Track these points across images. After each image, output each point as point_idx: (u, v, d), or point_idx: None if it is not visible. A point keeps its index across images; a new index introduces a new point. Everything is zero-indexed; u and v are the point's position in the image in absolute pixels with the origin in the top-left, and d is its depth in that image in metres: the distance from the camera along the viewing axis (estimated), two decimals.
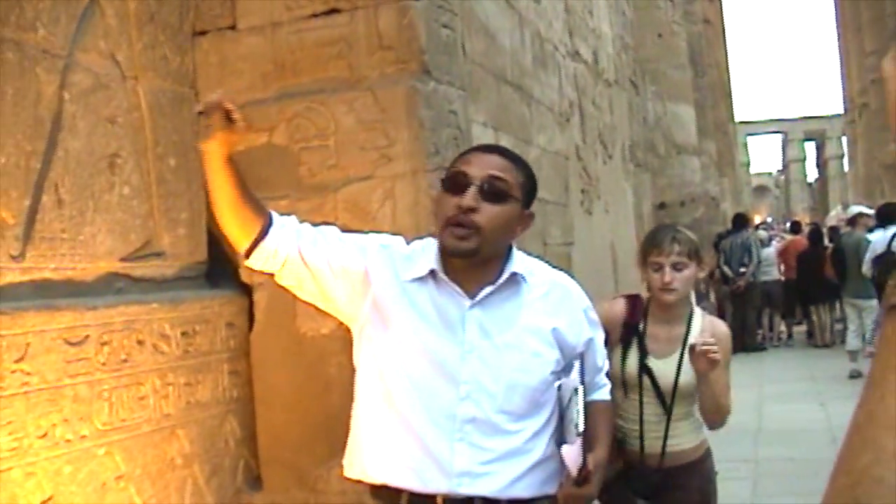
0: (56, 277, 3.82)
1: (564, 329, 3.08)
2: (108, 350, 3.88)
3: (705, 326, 4.24)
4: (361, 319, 3.14)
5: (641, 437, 4.18)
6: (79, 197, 3.96)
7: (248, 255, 3.15)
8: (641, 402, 4.17)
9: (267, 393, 4.70)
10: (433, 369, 2.97)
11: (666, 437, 4.19)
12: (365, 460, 3.11)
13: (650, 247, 4.23)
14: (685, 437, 4.24)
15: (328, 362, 4.54)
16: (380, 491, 3.07)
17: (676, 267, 4.15)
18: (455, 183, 2.99)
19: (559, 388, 3.07)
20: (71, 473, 3.64)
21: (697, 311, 4.35)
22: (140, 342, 4.07)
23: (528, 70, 6.89)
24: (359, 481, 3.18)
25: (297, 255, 3.10)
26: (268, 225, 3.12)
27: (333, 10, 4.60)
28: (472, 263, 3.01)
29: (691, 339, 4.11)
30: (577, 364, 3.03)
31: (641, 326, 4.26)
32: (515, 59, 6.57)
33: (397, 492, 3.01)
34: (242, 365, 4.69)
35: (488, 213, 2.95)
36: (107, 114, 4.16)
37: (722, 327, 4.35)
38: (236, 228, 3.14)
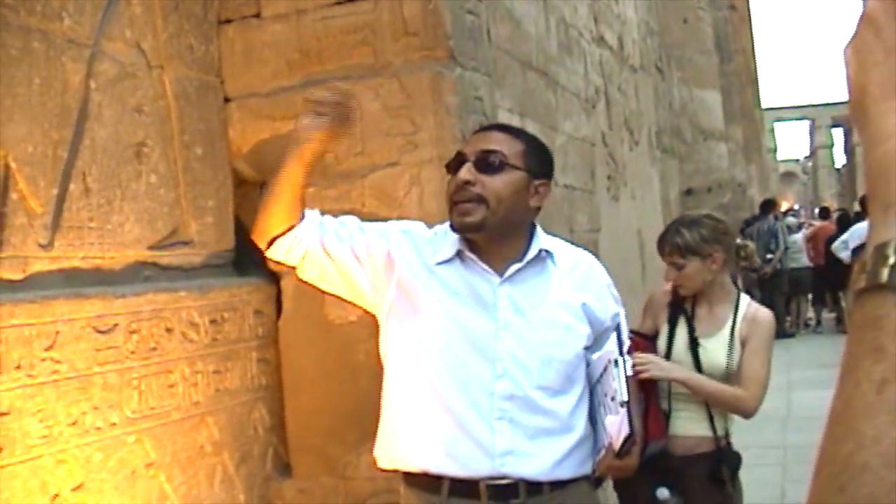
0: (84, 266, 3.83)
1: (593, 303, 3.10)
2: (136, 338, 3.90)
3: (748, 313, 4.28)
4: (387, 306, 3.14)
5: (711, 418, 4.21)
6: (106, 185, 3.97)
7: (269, 245, 3.15)
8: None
9: (295, 380, 4.71)
10: (468, 348, 2.97)
11: (712, 418, 4.22)
12: (402, 449, 3.09)
13: (657, 247, 4.34)
14: (728, 422, 4.27)
15: (356, 349, 4.54)
16: (418, 478, 3.06)
17: (676, 266, 4.22)
18: (457, 164, 3.01)
19: (588, 364, 3.08)
20: (101, 461, 3.66)
21: (744, 298, 4.39)
22: (168, 330, 4.08)
23: (553, 56, 6.87)
24: (395, 471, 3.16)
25: (318, 246, 3.11)
26: (299, 221, 3.12)
27: None
28: (493, 240, 3.02)
29: (738, 326, 4.23)
30: (613, 336, 3.02)
31: (689, 308, 4.31)
32: (541, 45, 6.56)
33: (437, 479, 3.00)
34: (271, 352, 4.70)
35: (487, 184, 2.96)
36: (133, 103, 4.17)
37: (763, 312, 4.37)
38: (275, 220, 3.14)
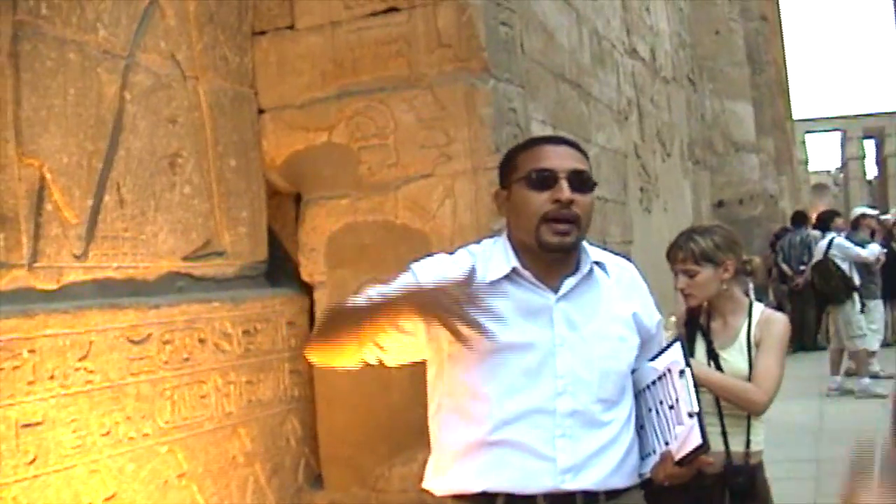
0: (118, 276, 3.84)
1: (641, 312, 3.10)
2: (170, 349, 3.90)
3: (762, 318, 4.27)
4: (444, 352, 3.09)
5: (724, 433, 4.17)
6: (140, 196, 3.98)
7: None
8: (717, 396, 4.17)
9: (328, 392, 4.70)
10: (525, 369, 2.94)
11: (749, 432, 4.19)
12: (460, 477, 3.05)
13: (667, 255, 4.32)
14: (761, 436, 4.23)
15: None
16: (476, 498, 3.02)
17: (687, 273, 4.21)
18: (543, 179, 2.97)
19: (633, 370, 3.07)
20: (134, 471, 3.66)
21: (757, 306, 4.38)
22: (202, 341, 4.08)
23: (586, 68, 6.86)
24: (454, 496, 3.12)
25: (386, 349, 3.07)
26: None
27: (392, 9, 4.60)
28: (557, 258, 2.99)
29: (752, 332, 4.23)
30: (678, 345, 3.01)
31: (704, 321, 4.29)
32: (573, 57, 6.55)
33: (492, 495, 2.98)
34: (303, 364, 4.68)
35: (582, 204, 2.96)
36: (167, 113, 4.18)
37: (777, 315, 4.39)
38: (336, 363, 3.16)
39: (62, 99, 3.64)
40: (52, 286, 3.53)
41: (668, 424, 2.99)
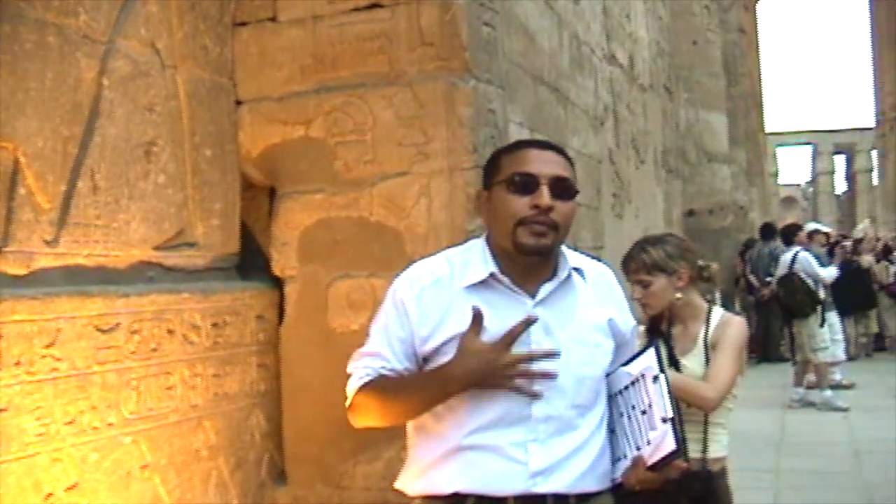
0: (89, 264, 3.81)
1: (616, 318, 3.07)
2: (137, 338, 3.88)
3: (720, 322, 4.28)
4: (420, 357, 3.09)
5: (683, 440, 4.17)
6: (114, 184, 3.95)
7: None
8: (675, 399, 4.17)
9: (294, 387, 4.68)
10: None
11: (706, 438, 4.19)
12: (434, 479, 3.05)
13: (621, 266, 4.32)
14: (721, 442, 4.24)
15: None
16: (447, 499, 3.03)
17: (642, 283, 4.22)
18: (524, 184, 2.96)
19: (608, 375, 3.06)
20: (97, 461, 3.63)
21: (717, 310, 4.38)
22: (170, 332, 4.06)
23: (564, 72, 6.86)
24: (425, 497, 3.12)
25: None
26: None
27: (375, 5, 4.58)
28: (534, 262, 2.98)
29: (709, 336, 4.25)
30: (651, 351, 3.00)
31: (665, 328, 4.30)
32: (553, 61, 6.55)
33: (463, 497, 2.97)
34: (271, 358, 4.68)
35: (562, 211, 2.93)
36: (145, 101, 4.15)
37: (734, 318, 4.41)
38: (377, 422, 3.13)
39: (40, 83, 3.60)
40: (22, 271, 3.50)
41: (640, 429, 2.99)
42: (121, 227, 3.98)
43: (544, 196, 2.91)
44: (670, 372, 4.13)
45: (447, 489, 2.97)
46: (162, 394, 3.99)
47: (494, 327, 2.89)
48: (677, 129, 14.37)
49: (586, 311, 3.02)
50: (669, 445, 2.87)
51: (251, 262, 4.81)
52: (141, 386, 3.88)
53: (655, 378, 2.93)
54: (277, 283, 4.77)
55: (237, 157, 4.69)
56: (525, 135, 5.66)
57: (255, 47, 4.78)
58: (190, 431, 4.14)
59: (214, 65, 4.60)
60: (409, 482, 3.11)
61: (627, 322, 3.15)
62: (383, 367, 3.04)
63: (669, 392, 2.92)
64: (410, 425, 3.13)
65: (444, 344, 2.94)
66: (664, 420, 2.88)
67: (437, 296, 3.01)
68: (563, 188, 2.95)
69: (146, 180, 4.14)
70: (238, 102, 4.75)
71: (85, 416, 3.59)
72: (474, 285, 2.97)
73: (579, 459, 2.95)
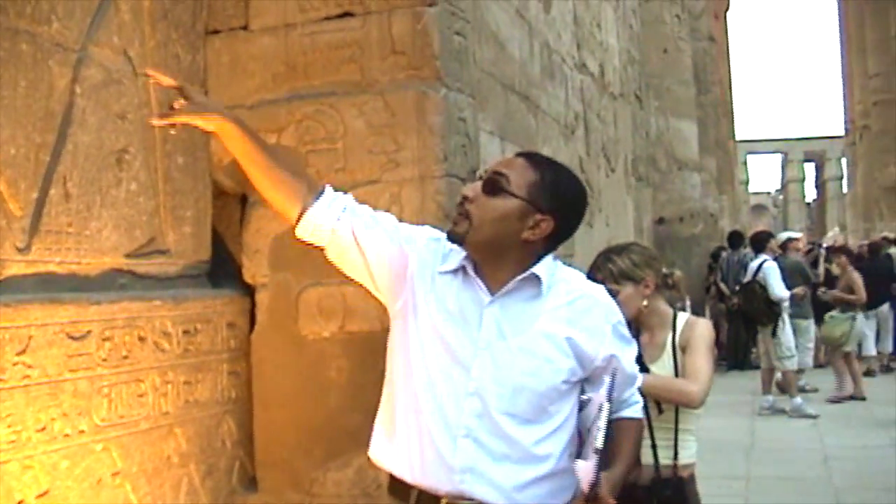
0: (60, 271, 3.82)
1: (582, 340, 3.04)
2: (109, 346, 3.89)
3: (686, 325, 4.31)
4: (398, 306, 3.14)
5: (654, 446, 4.20)
6: (86, 191, 3.96)
7: (296, 223, 3.13)
8: (646, 406, 4.19)
9: (265, 394, 4.69)
10: (447, 362, 2.98)
11: (677, 445, 4.22)
12: (384, 447, 3.13)
13: (587, 277, 4.35)
14: (691, 449, 4.27)
15: (328, 365, 4.54)
16: (396, 485, 3.08)
17: (610, 293, 4.23)
18: (474, 177, 3.06)
19: (584, 402, 3.06)
20: (68, 468, 3.64)
21: (682, 315, 4.40)
22: (141, 339, 4.07)
23: (535, 80, 6.90)
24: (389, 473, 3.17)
25: (348, 232, 3.09)
26: (316, 197, 3.11)
27: (347, 14, 4.60)
28: (486, 261, 3.01)
29: (677, 340, 4.28)
30: (607, 380, 2.99)
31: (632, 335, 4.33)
32: (524, 70, 6.58)
33: (409, 487, 3.02)
34: (242, 365, 4.69)
35: (480, 204, 2.97)
36: (117, 109, 4.16)
37: (699, 320, 4.45)
38: (273, 199, 3.15)
39: (12, 90, 3.61)
40: None
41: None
42: (93, 235, 3.99)
43: (467, 186, 3.00)
44: (651, 375, 4.17)
45: (391, 467, 3.10)
46: (133, 401, 4.00)
47: (456, 315, 3.02)
48: (647, 136, 14.44)
49: (545, 324, 3.02)
50: (591, 477, 2.89)
51: (222, 269, 4.82)
52: (112, 393, 3.88)
53: (601, 407, 2.95)
54: (249, 291, 4.78)
55: (209, 165, 4.69)
56: (496, 143, 5.70)
57: (227, 55, 4.79)
58: (161, 438, 4.15)
59: (186, 73, 4.61)
60: (375, 450, 3.19)
61: (598, 349, 3.09)
62: (354, 209, 3.17)
63: (608, 423, 2.93)
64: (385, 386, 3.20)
65: (411, 293, 3.10)
66: (595, 451, 2.89)
67: (434, 263, 3.12)
68: (491, 183, 2.99)
69: (118, 188, 4.14)
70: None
71: (56, 423, 3.59)
72: (452, 272, 3.04)
73: (516, 472, 2.96)
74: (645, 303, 4.28)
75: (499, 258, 3.03)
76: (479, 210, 2.97)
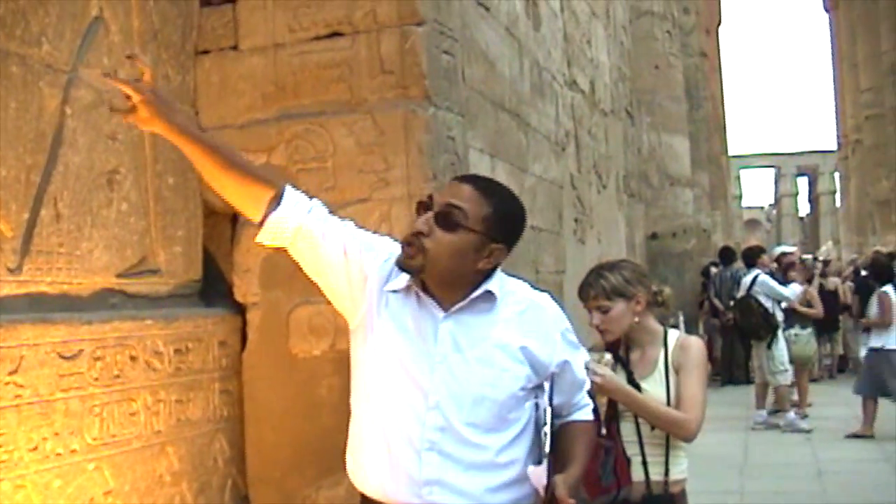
0: (52, 291, 3.83)
1: (535, 348, 3.09)
2: (100, 365, 3.90)
3: (677, 344, 4.31)
4: (358, 318, 3.16)
5: (644, 462, 4.21)
6: (77, 212, 3.98)
7: (260, 226, 3.13)
8: (637, 423, 4.21)
9: (257, 412, 4.71)
10: (405, 378, 3.01)
11: (668, 461, 4.22)
12: (353, 464, 3.16)
13: (578, 294, 4.35)
14: (682, 465, 4.27)
15: (319, 383, 4.56)
16: (365, 497, 3.11)
17: (601, 309, 4.24)
18: (422, 206, 3.04)
19: (535, 407, 3.09)
20: (60, 487, 3.65)
21: (672, 333, 4.41)
22: (133, 358, 4.08)
23: (525, 98, 6.92)
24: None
25: (311, 232, 3.09)
26: (278, 200, 3.09)
27: (336, 34, 4.63)
28: (438, 285, 3.04)
29: (669, 359, 4.27)
30: (546, 385, 3.04)
31: (623, 353, 4.34)
32: (514, 87, 6.61)
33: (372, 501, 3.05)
34: (233, 384, 4.70)
35: (436, 239, 2.98)
36: (108, 130, 4.18)
37: (691, 339, 4.44)
38: (239, 201, 3.13)
39: (3, 112, 3.63)
40: None
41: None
42: (84, 255, 4.01)
43: (420, 220, 3.00)
44: (652, 403, 4.18)
45: (358, 484, 3.13)
46: (125, 420, 4.01)
47: (412, 332, 3.05)
48: (639, 153, 14.47)
49: (499, 335, 3.06)
50: (544, 480, 2.93)
51: (214, 288, 4.84)
52: (104, 412, 3.90)
53: (545, 410, 2.99)
54: (240, 310, 4.80)
55: (199, 185, 4.70)
56: (486, 161, 5.72)
57: (217, 75, 4.82)
58: (153, 457, 4.16)
59: (176, 93, 4.63)
60: (351, 473, 3.21)
61: (551, 355, 3.14)
62: (319, 212, 3.17)
63: (551, 424, 2.97)
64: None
65: (367, 310, 3.13)
66: (544, 455, 2.94)
67: (386, 279, 3.13)
68: (447, 218, 3.00)
69: (109, 208, 4.16)
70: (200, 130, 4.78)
71: (48, 442, 3.61)
72: (404, 289, 3.06)
73: (482, 479, 3.00)
74: (636, 319, 4.29)
75: (454, 283, 3.06)
76: (435, 244, 2.98)
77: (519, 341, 3.07)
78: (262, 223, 3.09)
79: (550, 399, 3.03)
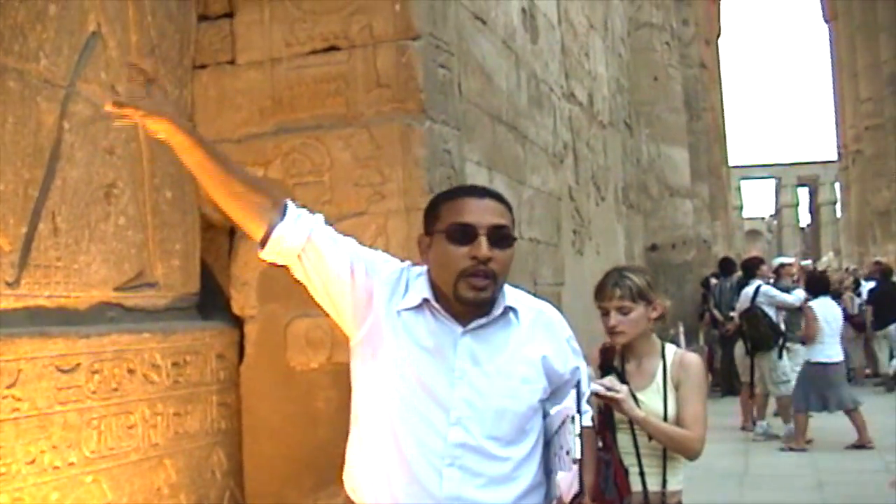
0: (50, 305, 3.85)
1: (552, 356, 3.10)
2: (98, 378, 3.91)
3: (676, 360, 4.31)
4: (361, 335, 3.14)
5: (642, 474, 4.22)
6: (75, 226, 4.00)
7: (262, 245, 3.11)
8: (634, 434, 4.21)
9: (255, 425, 4.72)
10: (424, 395, 2.99)
11: (666, 472, 4.23)
12: (359, 482, 3.12)
13: (597, 293, 4.32)
14: (679, 476, 4.28)
15: (316, 396, 4.57)
16: None
17: (622, 311, 4.23)
18: (463, 234, 2.99)
19: (546, 416, 3.10)
20: (58, 500, 3.66)
21: (670, 347, 4.41)
22: (131, 371, 4.09)
23: (523, 110, 6.94)
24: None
25: (320, 254, 3.08)
26: (281, 216, 3.06)
27: (332, 48, 4.66)
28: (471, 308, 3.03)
29: (668, 373, 4.27)
30: (573, 392, 3.03)
31: (618, 364, 4.33)
32: (511, 100, 6.63)
33: None
34: (231, 397, 4.71)
35: (500, 260, 2.98)
36: (105, 144, 4.20)
37: (690, 356, 4.42)
38: (238, 213, 3.11)
39: (0, 127, 3.65)
40: None
41: (564, 469, 3.04)
42: (81, 269, 4.02)
43: (482, 247, 2.95)
44: (662, 423, 4.19)
45: (366, 500, 3.07)
46: (123, 433, 4.03)
47: (430, 348, 3.02)
48: (638, 164, 14.48)
49: (518, 347, 3.06)
50: (576, 487, 2.93)
51: (211, 301, 4.85)
52: (102, 425, 3.91)
53: (572, 419, 2.98)
54: (237, 323, 4.82)
55: (197, 198, 4.73)
56: (483, 174, 5.73)
57: (214, 90, 4.85)
58: (151, 470, 4.17)
59: (174, 108, 4.64)
60: (348, 484, 3.18)
61: (566, 362, 3.16)
62: (320, 229, 3.14)
63: (580, 433, 2.96)
64: (352, 417, 3.19)
65: (373, 322, 3.08)
66: (574, 461, 2.93)
67: (392, 296, 3.10)
68: (501, 237, 3.00)
69: (106, 222, 4.18)
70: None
71: (46, 455, 3.62)
72: (417, 307, 3.04)
73: (500, 492, 2.99)
74: (651, 326, 4.30)
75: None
76: (499, 266, 2.99)
77: (538, 351, 3.08)
78: (264, 241, 3.07)
79: (579, 405, 3.02)
